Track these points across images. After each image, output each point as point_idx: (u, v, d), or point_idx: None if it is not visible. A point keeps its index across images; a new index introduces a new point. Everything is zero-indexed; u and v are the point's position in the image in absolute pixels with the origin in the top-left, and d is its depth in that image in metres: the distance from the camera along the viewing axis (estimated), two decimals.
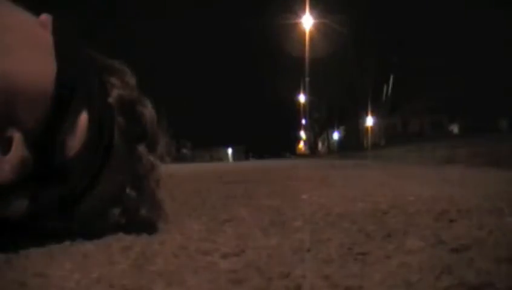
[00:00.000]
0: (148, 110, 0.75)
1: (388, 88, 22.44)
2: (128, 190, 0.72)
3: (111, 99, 0.71)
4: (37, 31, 0.67)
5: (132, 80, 0.76)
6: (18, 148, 0.59)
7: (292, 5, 19.51)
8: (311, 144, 29.36)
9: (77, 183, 0.67)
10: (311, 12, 19.41)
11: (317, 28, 19.62)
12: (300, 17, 19.64)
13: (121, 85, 0.73)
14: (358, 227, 0.74)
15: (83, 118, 0.66)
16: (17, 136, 0.59)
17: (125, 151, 0.71)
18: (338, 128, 29.79)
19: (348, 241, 0.62)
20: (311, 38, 19.47)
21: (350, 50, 18.83)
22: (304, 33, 19.62)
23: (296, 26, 19.97)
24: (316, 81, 20.92)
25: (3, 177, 0.60)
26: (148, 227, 0.73)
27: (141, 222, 0.73)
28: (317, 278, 0.45)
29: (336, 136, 30.72)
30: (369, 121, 22.61)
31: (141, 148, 0.73)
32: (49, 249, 0.62)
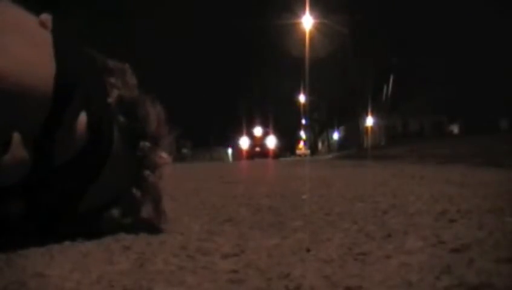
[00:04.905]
0: (149, 110, 0.75)
1: (388, 88, 22.43)
2: (133, 190, 0.72)
3: (110, 100, 0.71)
4: (37, 30, 0.67)
5: (132, 79, 0.76)
6: (17, 149, 0.59)
7: (292, 5, 19.51)
8: (311, 144, 29.37)
9: (76, 183, 0.67)
10: (311, 13, 19.41)
11: (317, 28, 19.62)
12: (300, 17, 19.65)
13: (121, 85, 0.73)
14: (358, 227, 0.74)
15: (82, 118, 0.66)
16: (15, 137, 0.59)
17: (126, 151, 0.71)
18: (338, 128, 29.80)
19: (348, 241, 0.62)
20: (311, 38, 19.47)
21: (350, 50, 18.83)
22: (304, 33, 19.62)
23: (296, 26, 19.99)
24: (316, 81, 20.90)
25: (2, 177, 0.60)
26: (148, 227, 0.73)
27: (141, 222, 0.73)
28: (317, 278, 0.45)
29: (336, 136, 30.73)
30: (369, 121, 22.60)
31: (144, 147, 0.73)
32: (49, 249, 0.62)
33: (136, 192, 0.72)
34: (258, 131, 23.69)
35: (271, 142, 22.36)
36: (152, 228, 0.73)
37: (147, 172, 0.73)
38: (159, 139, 0.75)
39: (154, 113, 0.75)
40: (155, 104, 0.76)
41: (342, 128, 29.29)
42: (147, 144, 0.73)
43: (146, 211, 0.73)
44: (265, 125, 23.80)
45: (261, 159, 14.67)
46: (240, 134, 25.28)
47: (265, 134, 23.22)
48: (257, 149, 21.72)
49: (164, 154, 0.75)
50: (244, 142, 23.47)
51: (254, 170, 4.68)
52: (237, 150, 24.61)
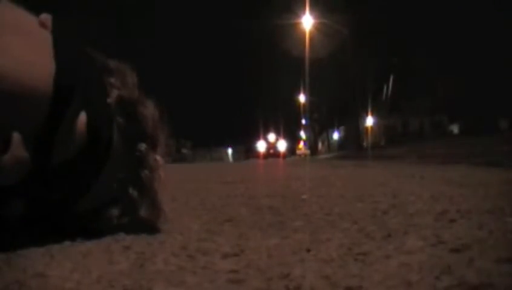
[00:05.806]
0: (149, 110, 0.75)
1: (388, 88, 22.43)
2: (130, 190, 0.72)
3: (110, 100, 0.71)
4: (37, 30, 0.67)
5: (132, 80, 0.76)
6: (17, 149, 0.59)
7: (292, 5, 19.49)
8: (311, 144, 29.37)
9: (76, 183, 0.67)
10: (311, 13, 19.38)
11: (317, 28, 19.59)
12: (300, 17, 19.61)
13: (121, 85, 0.73)
14: (358, 227, 0.74)
15: (82, 118, 0.66)
16: (15, 137, 0.59)
17: (125, 151, 0.71)
18: (338, 128, 29.82)
19: (348, 241, 0.62)
20: (311, 38, 19.44)
21: (350, 50, 18.80)
22: (304, 33, 19.59)
23: (296, 26, 19.96)
24: (316, 81, 20.88)
25: (2, 177, 0.60)
26: (148, 227, 0.73)
27: (141, 222, 0.73)
28: (317, 278, 0.45)
29: (336, 136, 30.75)
30: (369, 121, 22.61)
31: (142, 148, 0.73)
32: (49, 249, 0.62)
33: (133, 192, 0.72)
34: (271, 137, 32.09)
35: (281, 145, 31.02)
36: (152, 227, 0.73)
37: (145, 172, 0.73)
38: (156, 140, 0.75)
39: (153, 113, 0.75)
40: (151, 105, 0.76)
41: (342, 128, 29.30)
42: (145, 144, 0.73)
43: (145, 211, 0.73)
44: (276, 132, 31.69)
45: (273, 159, 18.21)
46: (257, 138, 31.84)
47: (277, 139, 31.24)
48: (271, 151, 29.34)
49: (158, 157, 0.75)
50: (261, 146, 31.45)
51: (255, 170, 4.68)
52: (255, 151, 31.70)
